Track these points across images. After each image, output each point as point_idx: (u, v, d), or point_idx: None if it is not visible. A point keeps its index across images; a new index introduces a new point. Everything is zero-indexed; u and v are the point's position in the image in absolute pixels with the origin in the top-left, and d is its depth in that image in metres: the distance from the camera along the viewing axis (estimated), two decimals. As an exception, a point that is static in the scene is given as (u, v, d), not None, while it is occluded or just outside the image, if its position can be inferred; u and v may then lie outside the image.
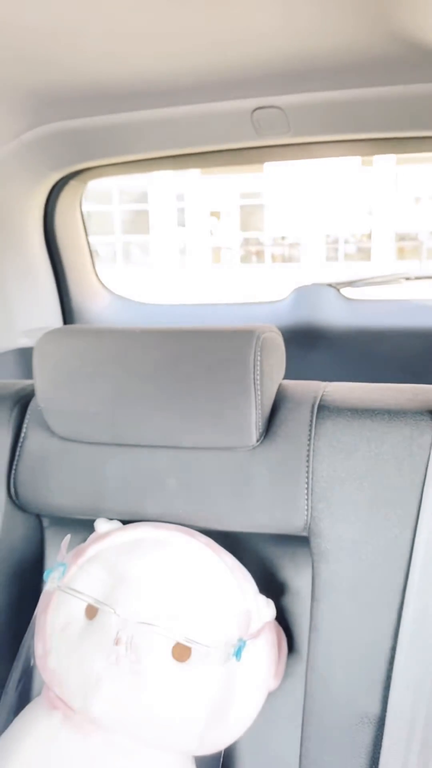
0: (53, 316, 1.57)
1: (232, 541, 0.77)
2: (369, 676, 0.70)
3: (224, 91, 1.08)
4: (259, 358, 0.72)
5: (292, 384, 0.80)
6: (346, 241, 14.01)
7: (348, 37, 0.85)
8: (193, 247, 14.37)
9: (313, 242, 13.70)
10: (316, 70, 0.99)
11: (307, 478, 0.73)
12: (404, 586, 0.70)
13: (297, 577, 0.79)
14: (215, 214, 14.47)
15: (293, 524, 0.74)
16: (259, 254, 14.67)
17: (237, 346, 0.73)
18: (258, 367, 0.72)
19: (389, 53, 0.88)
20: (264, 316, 1.61)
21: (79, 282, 1.62)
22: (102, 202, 14.33)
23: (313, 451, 0.73)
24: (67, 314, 1.62)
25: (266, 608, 0.72)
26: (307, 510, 0.73)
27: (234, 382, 0.72)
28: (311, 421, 0.75)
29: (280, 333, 0.79)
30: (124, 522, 0.80)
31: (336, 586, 0.71)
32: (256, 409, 0.73)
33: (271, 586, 0.78)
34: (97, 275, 1.71)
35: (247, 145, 1.30)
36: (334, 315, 1.55)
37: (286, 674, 0.75)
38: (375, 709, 0.69)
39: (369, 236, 13.81)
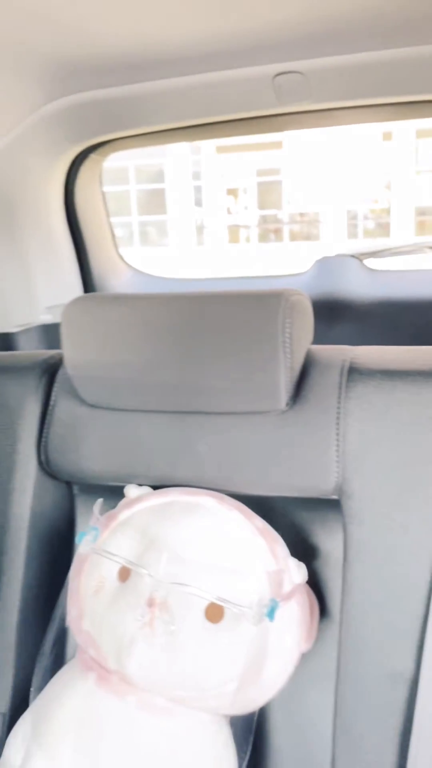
0: (75, 292, 1.57)
1: (262, 506, 0.77)
2: (402, 636, 0.70)
3: (245, 56, 1.06)
4: (288, 320, 0.72)
5: (321, 348, 0.80)
6: (365, 217, 13.83)
7: None
8: (210, 226, 14.27)
9: (332, 218, 13.53)
10: (337, 32, 0.97)
11: (337, 440, 0.73)
12: None
13: (328, 541, 0.79)
14: (232, 192, 14.35)
15: (324, 486, 0.74)
16: (277, 232, 14.53)
17: (264, 308, 0.72)
18: (287, 330, 0.71)
19: (412, 13, 0.86)
20: None
21: (100, 257, 1.62)
22: (118, 182, 14.24)
23: (344, 413, 0.73)
24: (89, 290, 1.62)
25: (297, 570, 0.72)
26: (338, 472, 0.73)
27: (262, 345, 0.72)
28: (341, 383, 0.74)
29: (308, 297, 0.78)
30: (155, 488, 0.81)
31: (368, 547, 0.71)
32: (285, 373, 0.72)
33: (303, 550, 0.78)
34: (117, 250, 1.70)
35: (268, 112, 1.28)
36: (357, 286, 1.53)
37: (319, 637, 0.75)
38: (409, 668, 0.70)
39: (388, 211, 13.62)
